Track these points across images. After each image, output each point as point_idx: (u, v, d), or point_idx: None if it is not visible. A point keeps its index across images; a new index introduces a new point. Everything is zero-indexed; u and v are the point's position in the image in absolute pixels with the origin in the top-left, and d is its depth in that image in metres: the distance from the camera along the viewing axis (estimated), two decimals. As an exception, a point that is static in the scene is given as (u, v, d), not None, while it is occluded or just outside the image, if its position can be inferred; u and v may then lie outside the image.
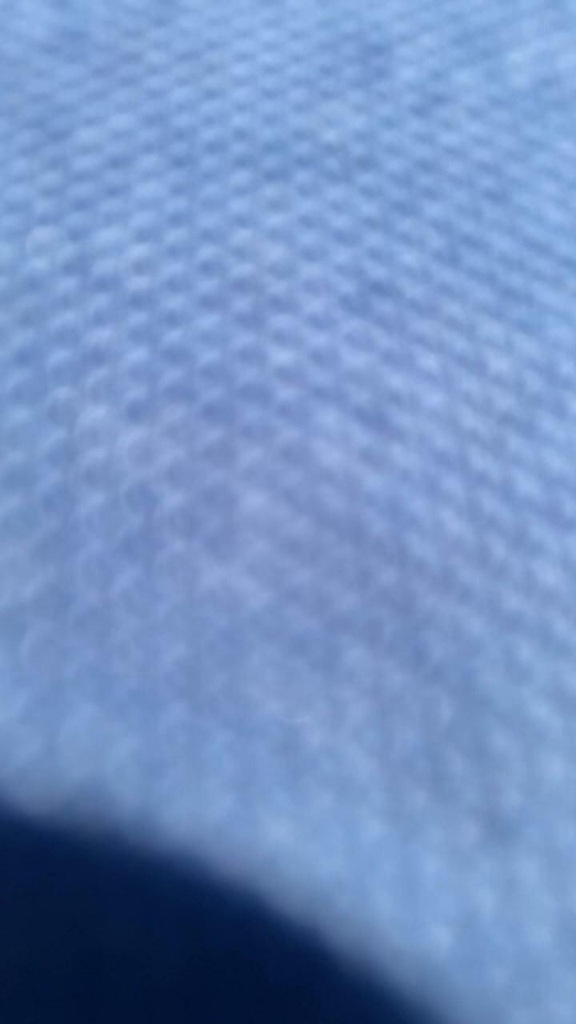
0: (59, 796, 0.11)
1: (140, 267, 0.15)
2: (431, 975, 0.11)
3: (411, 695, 0.12)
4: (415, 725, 0.12)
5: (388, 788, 0.12)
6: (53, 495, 0.13)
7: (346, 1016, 0.10)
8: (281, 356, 0.14)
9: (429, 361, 0.15)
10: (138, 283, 0.15)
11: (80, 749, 0.11)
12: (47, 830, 0.11)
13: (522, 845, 0.11)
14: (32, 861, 0.11)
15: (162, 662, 0.12)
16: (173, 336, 0.14)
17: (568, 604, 0.13)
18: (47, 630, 0.12)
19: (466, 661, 0.12)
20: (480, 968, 0.11)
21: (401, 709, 0.12)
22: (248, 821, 0.11)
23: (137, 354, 0.14)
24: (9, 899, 0.11)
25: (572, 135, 0.17)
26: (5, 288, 0.15)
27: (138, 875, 0.11)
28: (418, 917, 0.11)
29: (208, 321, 0.15)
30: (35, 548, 0.13)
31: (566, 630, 0.13)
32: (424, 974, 0.11)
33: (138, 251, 0.15)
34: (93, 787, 0.11)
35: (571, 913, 0.11)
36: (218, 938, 0.11)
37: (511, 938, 0.11)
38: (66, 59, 0.17)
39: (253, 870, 0.11)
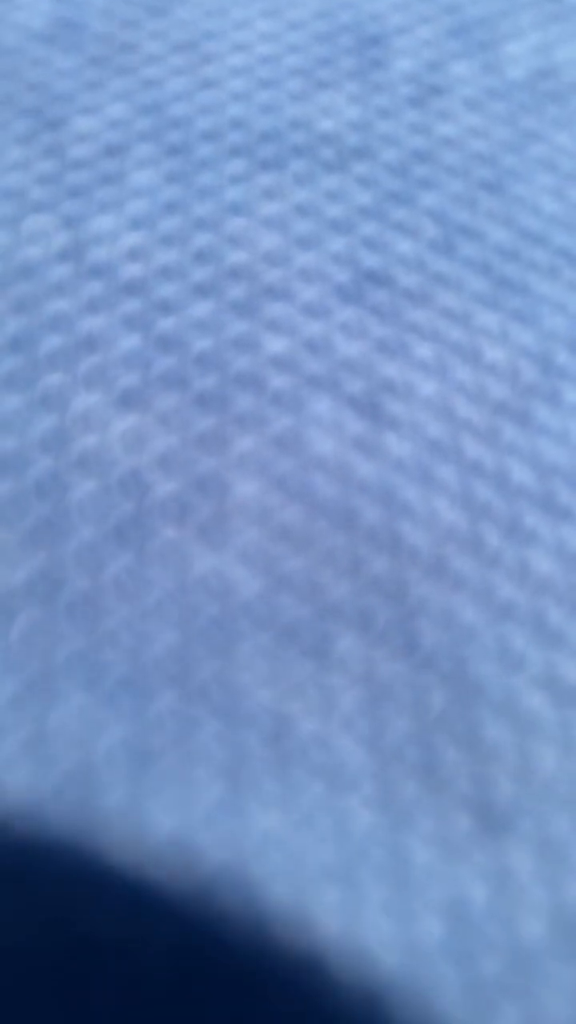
0: (47, 784, 0.11)
1: (134, 255, 0.15)
2: (422, 965, 0.10)
3: (403, 684, 0.12)
4: (407, 714, 0.12)
5: (379, 777, 0.11)
6: (44, 481, 0.13)
7: (337, 1005, 0.10)
8: (275, 344, 0.14)
9: (423, 350, 0.14)
10: (132, 271, 0.15)
11: (69, 737, 0.11)
12: (35, 818, 0.11)
13: (514, 836, 0.11)
14: (20, 849, 0.11)
15: (153, 650, 0.12)
16: (166, 324, 0.14)
17: (562, 593, 0.13)
18: (37, 616, 0.12)
19: (459, 650, 0.12)
20: (471, 959, 0.11)
21: (393, 698, 0.12)
22: (238, 810, 0.11)
23: (130, 341, 0.14)
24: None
25: (568, 127, 0.17)
26: (-1, 276, 0.14)
27: (126, 863, 0.11)
28: (409, 907, 0.11)
29: (202, 309, 0.15)
30: (26, 534, 0.12)
31: (560, 619, 0.13)
32: (415, 964, 0.10)
33: (132, 239, 0.15)
34: (82, 775, 0.11)
35: (564, 905, 0.11)
36: (207, 926, 0.10)
37: (503, 930, 0.11)
38: (63, 48, 0.17)
39: (243, 859, 0.11)
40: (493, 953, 0.11)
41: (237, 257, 0.15)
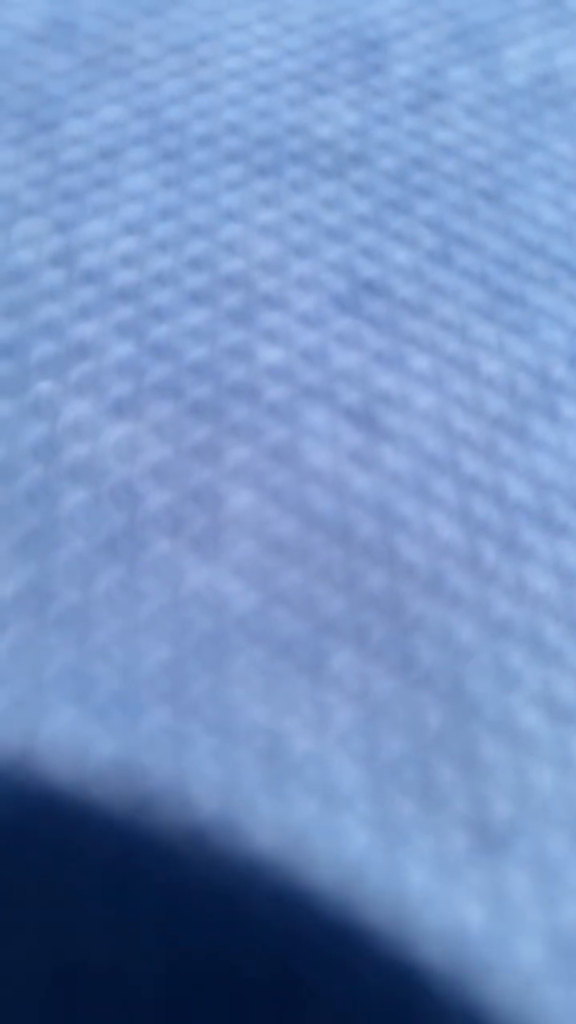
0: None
1: (127, 261, 0.15)
2: (419, 989, 0.10)
3: (399, 701, 0.12)
4: (403, 732, 0.12)
5: (374, 796, 0.11)
6: (35, 491, 0.13)
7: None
8: (270, 354, 0.14)
9: (420, 362, 0.14)
10: (125, 277, 0.15)
11: (59, 752, 0.11)
12: (23, 834, 0.11)
13: (512, 857, 0.11)
14: (8, 866, 0.10)
15: (145, 664, 0.12)
16: (160, 331, 0.14)
17: (559, 610, 0.13)
18: (27, 629, 0.12)
19: (455, 667, 0.12)
20: (469, 984, 0.10)
21: (388, 715, 0.12)
22: (230, 829, 0.11)
23: (123, 349, 0.14)
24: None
25: (568, 134, 0.17)
26: (-11, 280, 0.14)
27: (116, 882, 0.10)
28: (405, 930, 0.11)
29: (196, 317, 0.14)
30: (15, 544, 0.12)
31: (557, 636, 0.13)
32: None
33: (126, 244, 0.15)
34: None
35: (562, 928, 0.11)
36: (198, 947, 0.10)
37: (500, 953, 0.11)
38: (56, 49, 0.17)
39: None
40: (491, 977, 0.11)
41: (233, 265, 0.15)
